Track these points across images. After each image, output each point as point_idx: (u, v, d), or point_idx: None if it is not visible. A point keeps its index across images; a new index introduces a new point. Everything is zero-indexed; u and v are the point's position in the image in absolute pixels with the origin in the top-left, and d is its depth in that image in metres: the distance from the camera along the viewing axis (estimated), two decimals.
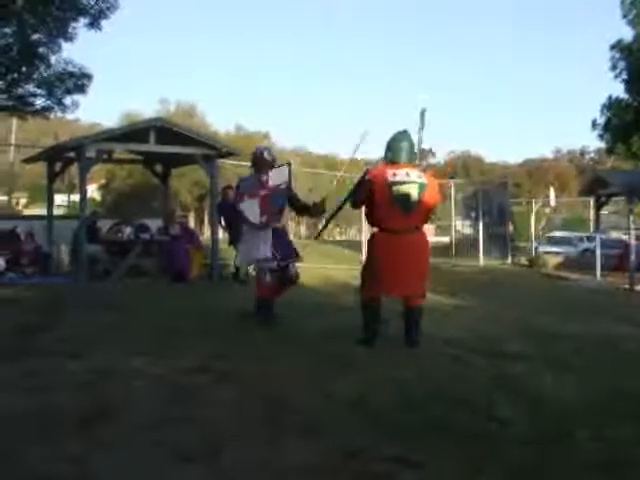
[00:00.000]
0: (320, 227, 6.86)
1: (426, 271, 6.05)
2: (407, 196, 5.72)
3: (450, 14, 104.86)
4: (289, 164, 7.05)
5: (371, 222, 6.13)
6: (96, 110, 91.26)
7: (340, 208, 6.40)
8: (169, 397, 4.18)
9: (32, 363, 5.00)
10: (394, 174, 5.75)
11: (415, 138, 6.00)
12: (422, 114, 6.01)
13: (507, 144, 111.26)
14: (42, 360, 5.10)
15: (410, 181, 5.74)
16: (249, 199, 6.76)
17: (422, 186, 5.77)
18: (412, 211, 5.75)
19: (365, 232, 13.61)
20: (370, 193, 5.81)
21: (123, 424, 3.64)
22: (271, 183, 6.73)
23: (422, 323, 6.03)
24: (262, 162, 6.92)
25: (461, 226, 27.83)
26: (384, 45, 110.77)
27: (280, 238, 6.87)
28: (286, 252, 6.89)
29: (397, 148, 5.94)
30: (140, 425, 3.63)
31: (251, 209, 6.73)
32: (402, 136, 6.01)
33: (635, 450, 3.44)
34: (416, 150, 6.11)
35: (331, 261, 15.72)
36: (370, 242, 6.13)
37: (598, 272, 15.65)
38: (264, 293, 6.93)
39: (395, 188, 5.71)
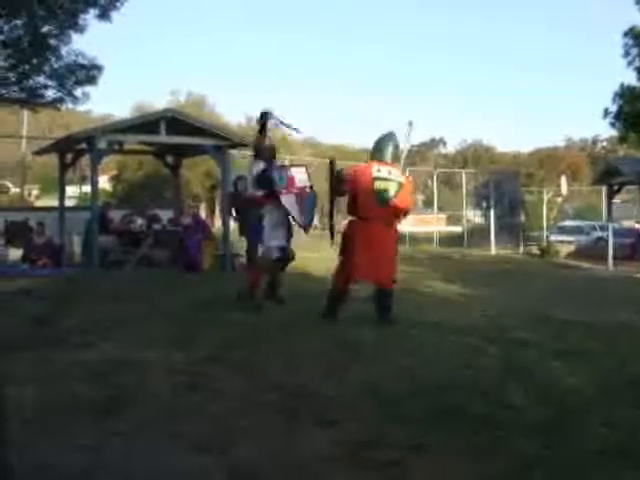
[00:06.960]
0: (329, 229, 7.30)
1: (393, 258, 6.68)
2: (386, 191, 6.45)
3: (459, 4, 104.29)
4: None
5: (351, 210, 6.67)
6: (108, 102, 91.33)
7: (332, 203, 6.97)
8: (183, 387, 4.20)
9: (47, 353, 5.03)
10: (379, 169, 6.51)
11: (402, 143, 6.81)
12: (410, 124, 6.75)
13: (518, 133, 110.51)
14: (56, 350, 5.14)
15: (391, 179, 6.49)
16: (286, 194, 7.19)
17: (400, 185, 6.53)
18: (387, 205, 6.46)
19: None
20: (355, 184, 6.51)
21: (137, 414, 3.66)
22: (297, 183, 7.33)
23: (427, 309, 6.05)
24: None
25: (473, 216, 27.79)
26: (390, 38, 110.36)
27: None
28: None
29: (384, 148, 6.63)
30: (154, 415, 3.65)
31: (291, 205, 7.21)
32: (388, 137, 6.70)
33: None
34: (402, 153, 6.80)
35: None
36: (348, 229, 6.69)
37: (610, 261, 15.56)
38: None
39: (377, 182, 6.45)
